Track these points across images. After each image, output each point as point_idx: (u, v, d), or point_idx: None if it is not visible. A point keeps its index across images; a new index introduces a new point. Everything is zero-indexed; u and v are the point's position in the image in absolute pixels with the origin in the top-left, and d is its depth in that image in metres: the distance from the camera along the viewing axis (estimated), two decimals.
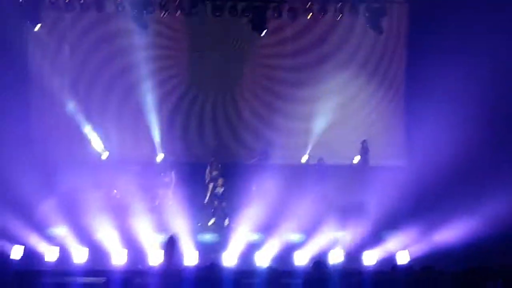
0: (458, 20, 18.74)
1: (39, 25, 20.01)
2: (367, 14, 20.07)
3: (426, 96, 20.22)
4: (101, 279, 11.63)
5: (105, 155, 21.86)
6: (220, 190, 19.21)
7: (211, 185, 19.57)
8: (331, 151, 21.93)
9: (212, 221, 19.12)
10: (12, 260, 15.06)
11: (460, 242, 15.97)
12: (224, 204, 19.11)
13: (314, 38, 22.05)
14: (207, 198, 19.57)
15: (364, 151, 21.41)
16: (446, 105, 19.13)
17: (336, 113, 22.02)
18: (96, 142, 21.87)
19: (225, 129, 22.72)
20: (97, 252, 15.84)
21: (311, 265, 11.89)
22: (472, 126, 19.23)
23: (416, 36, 21.36)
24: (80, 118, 21.67)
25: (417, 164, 19.91)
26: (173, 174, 19.96)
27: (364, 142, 21.40)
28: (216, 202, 19.21)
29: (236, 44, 22.14)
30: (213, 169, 20.00)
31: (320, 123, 22.02)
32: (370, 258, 15.43)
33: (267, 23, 19.63)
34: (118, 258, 15.22)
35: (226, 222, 18.96)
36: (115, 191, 19.44)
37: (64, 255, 15.45)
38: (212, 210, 19.21)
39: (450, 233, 16.46)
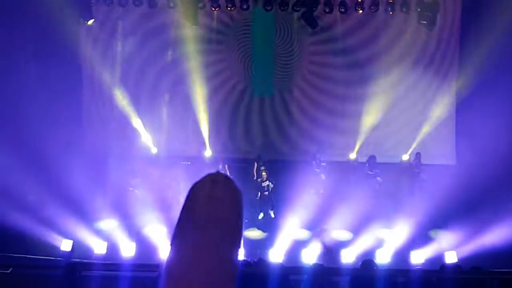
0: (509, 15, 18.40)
1: (92, 20, 20.24)
2: (419, 10, 19.84)
3: (479, 93, 19.94)
4: (153, 274, 11.71)
5: (154, 150, 22.01)
6: (266, 183, 19.20)
7: (258, 181, 19.57)
8: (380, 149, 21.82)
9: (261, 215, 19.15)
10: (63, 252, 15.33)
11: (509, 243, 15.71)
12: (271, 197, 19.09)
13: (365, 35, 21.82)
14: (258, 194, 19.57)
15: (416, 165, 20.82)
16: (499, 102, 18.82)
17: (386, 111, 21.77)
18: (145, 137, 22.04)
19: (272, 126, 22.65)
20: (145, 246, 15.99)
21: (359, 264, 11.84)
22: None
23: (469, 31, 21.01)
24: (130, 112, 21.85)
25: (467, 163, 19.65)
26: (226, 168, 20.01)
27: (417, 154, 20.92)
28: (263, 197, 19.21)
29: (286, 40, 22.03)
30: (260, 164, 19.99)
31: (370, 122, 21.84)
32: (418, 257, 15.28)
33: (318, 18, 19.55)
34: (165, 253, 15.31)
35: (272, 215, 18.97)
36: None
37: (113, 248, 15.62)
38: (260, 204, 19.21)
39: (499, 234, 16.19)
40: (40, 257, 15.40)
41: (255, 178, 19.85)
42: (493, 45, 18.94)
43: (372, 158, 20.58)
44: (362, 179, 20.09)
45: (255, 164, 20.23)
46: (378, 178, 19.96)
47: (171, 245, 3.58)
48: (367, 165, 20.46)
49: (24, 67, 20.06)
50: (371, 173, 20.09)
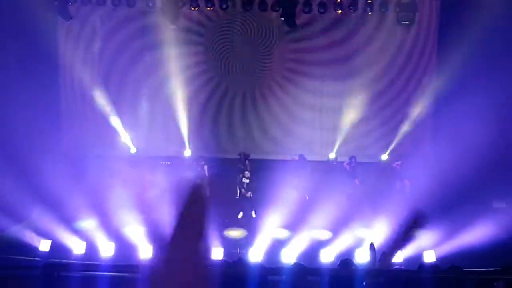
0: (488, 14, 18.48)
1: (69, 18, 20.15)
2: (397, 10, 19.92)
3: (457, 93, 20.05)
4: (132, 274, 11.69)
5: (133, 150, 21.96)
6: (246, 181, 19.19)
7: (238, 178, 19.58)
8: (358, 147, 21.95)
9: (240, 214, 19.14)
10: (41, 252, 15.24)
11: (487, 242, 15.82)
12: (250, 196, 19.08)
13: (343, 32, 21.89)
14: (238, 192, 19.60)
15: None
16: (477, 101, 18.93)
17: (364, 108, 21.86)
18: (124, 136, 21.98)
19: (254, 124, 22.69)
20: (124, 246, 15.94)
21: (338, 263, 11.86)
22: (502, 125, 19.04)
23: (447, 31, 21.11)
24: (109, 112, 21.79)
25: (444, 163, 19.76)
26: (205, 167, 20.01)
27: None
28: (243, 195, 19.21)
29: (265, 39, 22.04)
30: (241, 163, 19.99)
31: (348, 119, 21.93)
32: (397, 257, 15.33)
33: (297, 17, 19.57)
34: (145, 252, 15.29)
35: (253, 214, 18.97)
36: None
37: (92, 249, 15.56)
38: (240, 203, 19.21)
39: (478, 233, 16.30)
40: (18, 257, 15.28)
41: (239, 176, 19.76)
42: (472, 44, 19.04)
43: (352, 158, 20.67)
44: (342, 178, 20.15)
45: (240, 161, 20.18)
46: (356, 181, 20.05)
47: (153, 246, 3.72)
48: (347, 164, 20.52)
49: (2, 66, 19.89)
50: (351, 172, 20.18)
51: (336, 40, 21.91)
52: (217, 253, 15.22)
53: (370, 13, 19.89)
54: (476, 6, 18.45)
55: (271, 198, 18.77)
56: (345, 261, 11.69)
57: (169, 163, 20.47)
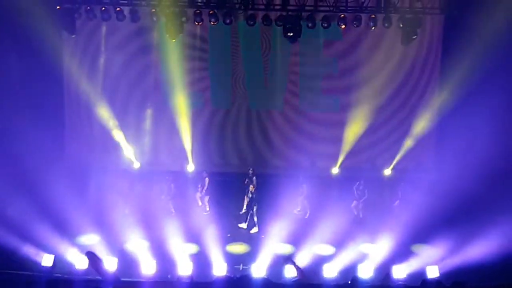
0: (491, 29, 18.50)
1: (73, 33, 20.21)
2: (401, 25, 19.93)
3: (459, 106, 20.07)
4: None
5: (136, 165, 22.00)
6: (250, 195, 19.15)
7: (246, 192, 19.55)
8: (362, 160, 22.01)
9: (244, 225, 19.07)
10: (43, 267, 15.23)
11: (491, 258, 15.78)
12: (254, 209, 19.02)
13: (346, 45, 21.96)
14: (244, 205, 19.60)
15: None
16: (480, 116, 18.96)
17: (368, 121, 21.89)
18: (129, 152, 22.02)
19: (259, 138, 22.70)
20: (127, 261, 15.94)
21: (350, 281, 11.83)
22: (506, 138, 19.04)
23: (450, 45, 21.13)
24: (113, 127, 21.84)
25: (449, 177, 19.76)
26: (207, 182, 20.02)
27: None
28: (248, 208, 19.18)
29: (268, 52, 22.08)
30: (247, 177, 19.98)
31: (352, 132, 21.95)
32: (400, 272, 15.30)
33: (301, 32, 19.57)
34: (148, 268, 15.27)
35: (254, 230, 18.93)
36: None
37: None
38: (246, 216, 19.16)
39: (481, 248, 16.27)
40: (21, 273, 15.27)
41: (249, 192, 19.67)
42: (475, 58, 19.06)
43: (360, 182, 20.50)
44: (345, 194, 20.14)
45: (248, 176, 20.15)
46: (354, 202, 19.99)
47: None
48: (355, 189, 20.37)
49: (7, 80, 19.96)
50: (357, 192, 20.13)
51: (339, 52, 21.95)
52: (220, 269, 15.22)
53: (373, 27, 19.89)
54: (479, 20, 18.49)
55: (274, 212, 18.81)
56: (355, 278, 11.71)
57: (170, 178, 20.37)
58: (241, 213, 19.54)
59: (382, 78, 21.92)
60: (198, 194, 20.20)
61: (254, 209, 18.98)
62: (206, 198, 20.06)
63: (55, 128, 21.57)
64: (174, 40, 19.68)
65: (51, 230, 16.88)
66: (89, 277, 14.21)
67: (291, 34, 19.15)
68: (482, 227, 17.09)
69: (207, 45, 22.02)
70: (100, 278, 12.56)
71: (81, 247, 16.63)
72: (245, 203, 19.54)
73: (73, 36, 20.33)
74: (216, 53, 22.10)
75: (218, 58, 22.16)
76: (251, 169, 20.33)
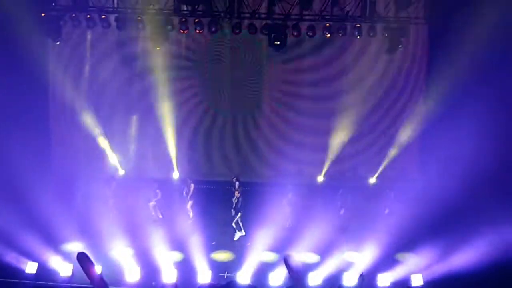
0: (477, 38, 18.60)
1: (57, 40, 20.17)
2: (386, 34, 20.06)
3: (444, 114, 20.16)
4: None
5: (121, 172, 21.96)
6: (235, 201, 19.11)
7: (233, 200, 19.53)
8: (347, 168, 22.10)
9: (237, 235, 19.02)
10: (27, 275, 15.20)
11: (475, 266, 15.84)
12: (238, 216, 19.00)
13: (332, 52, 22.02)
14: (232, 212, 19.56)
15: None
16: (465, 125, 19.05)
17: (353, 129, 21.96)
18: (114, 159, 21.99)
19: (245, 147, 22.72)
20: (111, 268, 15.90)
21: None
22: (491, 146, 19.12)
23: (435, 54, 21.22)
24: (98, 134, 21.80)
25: (433, 186, 19.86)
26: (192, 189, 19.96)
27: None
28: (233, 215, 19.14)
29: (254, 61, 22.13)
30: (233, 186, 19.97)
31: (337, 140, 21.98)
32: (384, 280, 15.37)
33: (286, 40, 19.64)
34: (132, 275, 15.26)
35: (237, 236, 18.92)
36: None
37: (79, 271, 15.48)
38: (237, 225, 19.12)
39: (466, 257, 16.34)
40: (5, 280, 15.24)
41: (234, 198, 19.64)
42: (459, 68, 19.15)
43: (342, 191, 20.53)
44: (330, 202, 20.15)
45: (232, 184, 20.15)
46: (343, 210, 19.99)
47: None
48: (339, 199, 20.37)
49: None
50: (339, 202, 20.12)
51: (326, 60, 22.03)
52: (204, 276, 15.22)
53: (358, 36, 19.99)
54: (463, 30, 18.59)
55: (260, 220, 18.80)
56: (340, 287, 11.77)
57: (156, 185, 20.34)
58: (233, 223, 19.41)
59: (366, 86, 22.01)
60: (190, 202, 20.05)
61: (239, 215, 18.98)
62: (190, 203, 19.97)
63: (41, 136, 21.50)
64: (158, 48, 19.74)
65: (36, 238, 16.82)
66: (73, 285, 14.21)
67: (278, 42, 19.28)
68: (467, 236, 17.18)
69: (193, 54, 22.06)
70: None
71: (65, 255, 16.59)
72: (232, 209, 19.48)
73: (58, 43, 20.31)
74: (201, 62, 22.15)
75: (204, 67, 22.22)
76: (234, 177, 20.38)
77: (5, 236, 16.76)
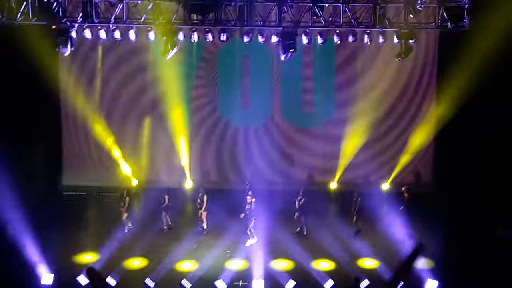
0: (488, 41, 18.53)
1: (68, 52, 20.28)
2: (396, 40, 20.02)
3: (456, 119, 20.11)
4: None
5: (134, 182, 22.02)
6: (248, 207, 19.04)
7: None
8: (359, 173, 22.12)
9: (251, 241, 18.96)
10: (43, 286, 15.30)
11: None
12: (252, 223, 18.94)
13: (344, 58, 22.09)
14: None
15: None
16: (478, 131, 19.02)
17: (365, 135, 21.96)
18: (126, 169, 22.05)
19: (257, 155, 22.72)
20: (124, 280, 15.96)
21: None
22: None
23: (446, 59, 21.12)
24: (110, 144, 21.88)
25: (447, 192, 19.83)
26: (205, 198, 19.91)
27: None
28: (247, 222, 19.07)
29: (266, 69, 22.17)
30: (246, 192, 19.95)
31: (349, 146, 21.99)
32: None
33: (296, 47, 19.65)
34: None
35: (248, 243, 18.86)
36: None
37: None
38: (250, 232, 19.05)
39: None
40: None
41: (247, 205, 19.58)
42: (471, 72, 19.10)
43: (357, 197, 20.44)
44: (344, 209, 20.10)
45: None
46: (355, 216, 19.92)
47: None
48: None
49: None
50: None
51: (336, 67, 22.08)
52: (220, 285, 15.23)
53: (369, 43, 19.97)
54: (474, 34, 18.53)
55: (271, 227, 18.79)
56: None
57: (168, 196, 20.32)
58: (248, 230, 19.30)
59: (378, 92, 22.01)
60: (204, 213, 20.00)
61: (252, 222, 18.93)
62: (204, 214, 19.93)
63: (53, 146, 21.67)
64: (169, 58, 19.83)
65: (50, 249, 16.94)
66: None
67: (292, 50, 19.27)
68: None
69: (204, 63, 22.18)
70: None
71: (80, 266, 16.64)
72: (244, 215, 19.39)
73: (67, 55, 20.44)
74: (212, 71, 22.27)
75: (226, 75, 22.36)
76: (248, 183, 20.40)
77: (20, 247, 16.87)
